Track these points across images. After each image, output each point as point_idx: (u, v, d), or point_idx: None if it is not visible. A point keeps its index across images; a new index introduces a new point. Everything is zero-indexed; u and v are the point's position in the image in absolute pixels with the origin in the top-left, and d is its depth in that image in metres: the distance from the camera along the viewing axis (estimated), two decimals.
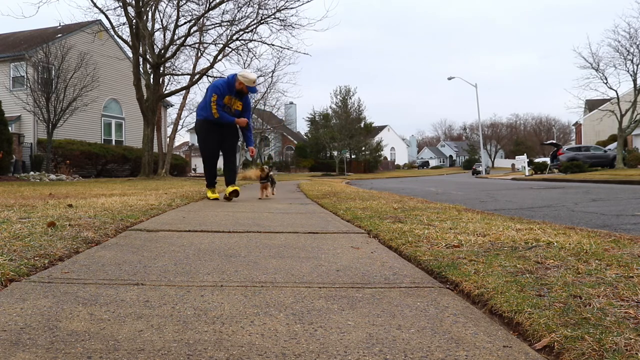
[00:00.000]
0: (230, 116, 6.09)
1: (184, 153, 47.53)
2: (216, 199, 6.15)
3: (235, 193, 6.08)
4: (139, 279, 1.83)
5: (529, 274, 1.82)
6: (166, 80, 24.22)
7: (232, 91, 5.99)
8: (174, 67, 24.29)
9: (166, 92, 22.28)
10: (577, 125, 47.45)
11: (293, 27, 18.40)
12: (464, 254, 2.23)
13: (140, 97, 19.01)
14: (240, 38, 19.18)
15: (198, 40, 21.77)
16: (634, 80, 26.11)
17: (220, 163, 6.51)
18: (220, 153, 6.40)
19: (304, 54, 36.04)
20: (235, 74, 5.96)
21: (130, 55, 20.70)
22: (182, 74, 23.43)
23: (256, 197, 6.68)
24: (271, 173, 6.77)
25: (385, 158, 65.12)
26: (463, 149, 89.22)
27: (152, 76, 19.98)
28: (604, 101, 31.32)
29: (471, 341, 1.24)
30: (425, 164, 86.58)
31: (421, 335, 1.28)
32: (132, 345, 1.17)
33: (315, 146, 51.57)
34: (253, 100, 28.69)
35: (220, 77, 22.37)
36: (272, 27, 19.21)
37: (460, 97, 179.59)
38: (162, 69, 20.34)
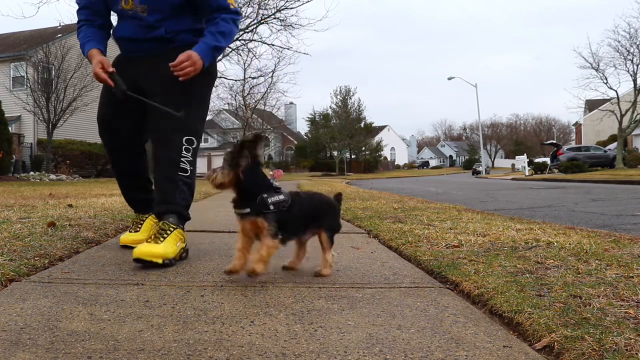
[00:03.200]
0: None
1: None
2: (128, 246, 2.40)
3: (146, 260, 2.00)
4: (139, 279, 1.83)
5: (529, 274, 1.82)
6: None
7: None
8: None
9: None
10: (577, 125, 47.45)
11: (293, 27, 18.42)
12: (464, 254, 2.24)
13: None
14: (240, 38, 19.15)
15: None
16: (634, 80, 26.17)
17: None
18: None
19: (304, 54, 35.84)
20: None
21: None
22: None
23: None
24: None
25: (385, 158, 65.14)
26: (463, 149, 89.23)
27: None
28: (604, 101, 31.34)
29: (471, 341, 1.24)
30: (425, 164, 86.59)
31: (421, 335, 1.28)
32: (132, 345, 1.17)
33: (315, 146, 51.57)
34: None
35: (221, 77, 22.21)
36: (272, 27, 19.20)
37: (460, 97, 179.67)
38: None
